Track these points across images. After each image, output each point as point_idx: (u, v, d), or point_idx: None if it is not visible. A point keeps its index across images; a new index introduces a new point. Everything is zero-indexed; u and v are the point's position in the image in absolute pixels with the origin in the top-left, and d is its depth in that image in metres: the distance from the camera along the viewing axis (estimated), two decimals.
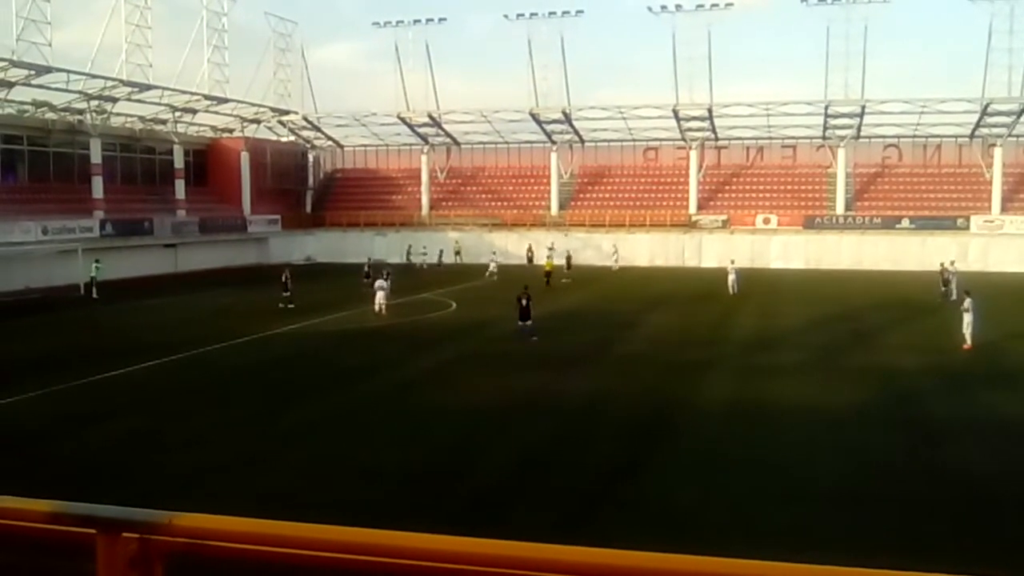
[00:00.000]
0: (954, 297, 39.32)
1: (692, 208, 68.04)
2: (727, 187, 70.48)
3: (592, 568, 2.00)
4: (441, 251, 65.79)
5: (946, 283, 40.95)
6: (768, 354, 27.69)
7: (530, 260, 61.51)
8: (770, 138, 71.11)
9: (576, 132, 71.85)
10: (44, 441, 18.18)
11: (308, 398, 22.11)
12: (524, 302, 30.11)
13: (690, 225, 66.60)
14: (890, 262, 58.98)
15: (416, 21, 70.80)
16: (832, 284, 49.78)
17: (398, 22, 71.24)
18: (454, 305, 40.90)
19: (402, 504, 13.97)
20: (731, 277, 44.92)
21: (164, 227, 58.85)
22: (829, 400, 21.37)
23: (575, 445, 17.88)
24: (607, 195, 72.37)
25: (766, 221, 65.27)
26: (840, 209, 65.31)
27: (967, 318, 27.62)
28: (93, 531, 2.24)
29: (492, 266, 55.80)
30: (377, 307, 35.24)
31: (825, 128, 66.51)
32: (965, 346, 27.48)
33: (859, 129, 66.24)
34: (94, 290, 45.25)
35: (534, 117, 69.10)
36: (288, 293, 39.37)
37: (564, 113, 68.51)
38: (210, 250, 61.70)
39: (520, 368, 25.70)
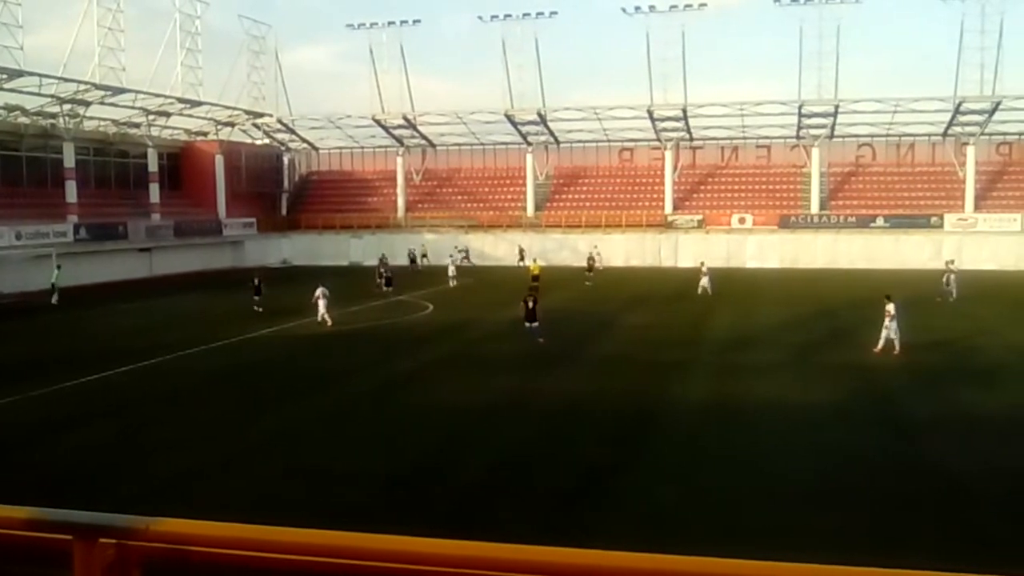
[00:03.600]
0: (954, 297, 39.71)
1: (668, 208, 68.31)
2: (702, 187, 70.81)
3: (575, 569, 2.02)
4: (411, 252, 64.40)
5: (947, 283, 40.79)
6: (746, 353, 27.82)
7: (522, 261, 61.13)
8: (744, 138, 71.52)
9: (551, 133, 71.96)
10: (19, 447, 17.99)
11: (286, 401, 22.00)
12: (531, 304, 29.94)
13: (666, 225, 66.85)
14: (865, 260, 59.44)
15: (390, 23, 70.74)
16: (808, 283, 50.12)
17: (372, 24, 71.12)
18: (431, 307, 40.82)
19: (384, 507, 13.93)
20: (703, 280, 44.50)
21: (139, 231, 58.45)
22: (807, 398, 21.52)
23: (556, 445, 17.90)
24: (583, 196, 72.51)
25: (741, 221, 65.64)
26: (815, 208, 65.77)
27: (892, 324, 26.86)
28: (70, 537, 2.23)
29: (451, 270, 51.79)
30: (320, 317, 34.48)
31: (799, 128, 66.97)
32: (875, 349, 26.88)
33: (833, 128, 66.74)
34: (55, 296, 43.40)
35: (509, 119, 69.15)
36: (259, 296, 39.07)
37: (539, 114, 68.61)
38: (185, 254, 61.32)
39: (500, 369, 25.69)
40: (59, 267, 45.51)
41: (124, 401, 22.50)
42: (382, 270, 49.08)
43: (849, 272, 55.98)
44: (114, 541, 2.22)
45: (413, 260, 62.91)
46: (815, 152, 66.38)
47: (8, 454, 17.49)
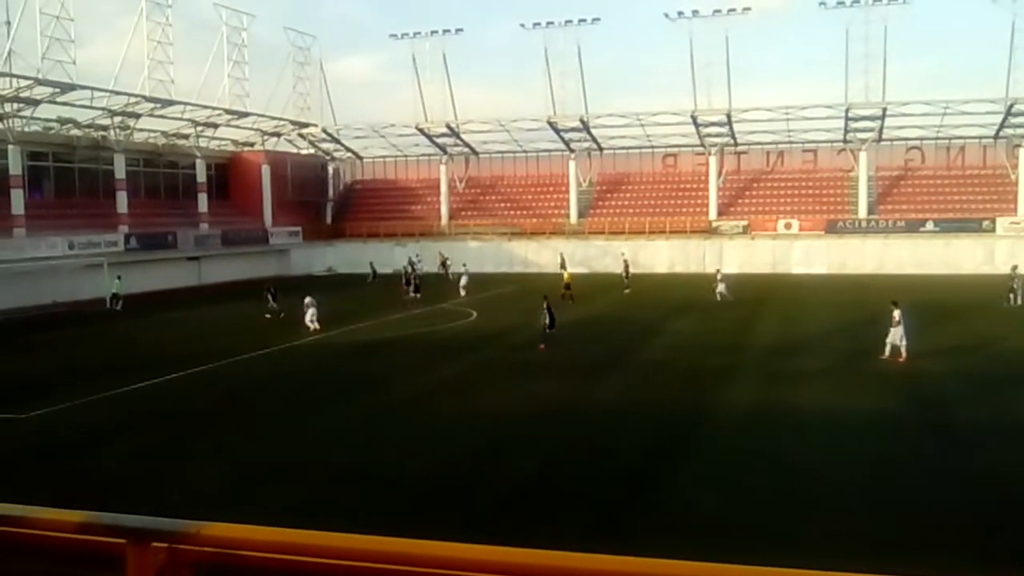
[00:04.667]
0: (1020, 302, 39.04)
1: (712, 214, 67.85)
2: (747, 192, 70.25)
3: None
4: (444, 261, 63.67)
5: (1013, 289, 40.01)
6: (791, 359, 27.52)
7: (563, 268, 61.00)
8: (790, 142, 70.82)
9: (594, 140, 71.86)
10: (73, 453, 18.35)
11: (332, 407, 22.18)
12: (547, 316, 30.79)
13: (710, 231, 66.38)
14: (914, 265, 58.47)
15: (433, 32, 71.17)
16: (855, 289, 49.40)
17: (415, 33, 71.64)
18: (474, 314, 40.92)
19: (426, 512, 13.97)
20: (720, 286, 43.74)
21: (187, 240, 59.30)
22: (853, 405, 21.21)
23: (599, 452, 17.82)
24: (626, 203, 72.28)
25: (787, 226, 64.94)
26: (863, 213, 64.92)
27: (898, 330, 26.37)
28: (123, 541, 2.28)
29: (463, 279, 49.89)
30: (309, 326, 35.10)
31: (846, 131, 66.20)
32: (882, 356, 26.41)
33: (880, 132, 65.85)
34: (118, 303, 45.60)
35: (552, 126, 69.17)
36: (274, 305, 39.84)
37: (582, 121, 68.55)
38: (232, 262, 62.02)
39: (542, 376, 25.67)
40: (119, 277, 46.38)
41: (174, 407, 22.84)
42: (410, 274, 49.37)
43: (898, 278, 54.99)
44: (166, 545, 2.27)
45: (444, 265, 62.94)
46: (863, 156, 65.53)
47: (61, 459, 17.84)
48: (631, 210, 70.89)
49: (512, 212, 73.57)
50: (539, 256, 66.03)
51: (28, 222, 49.28)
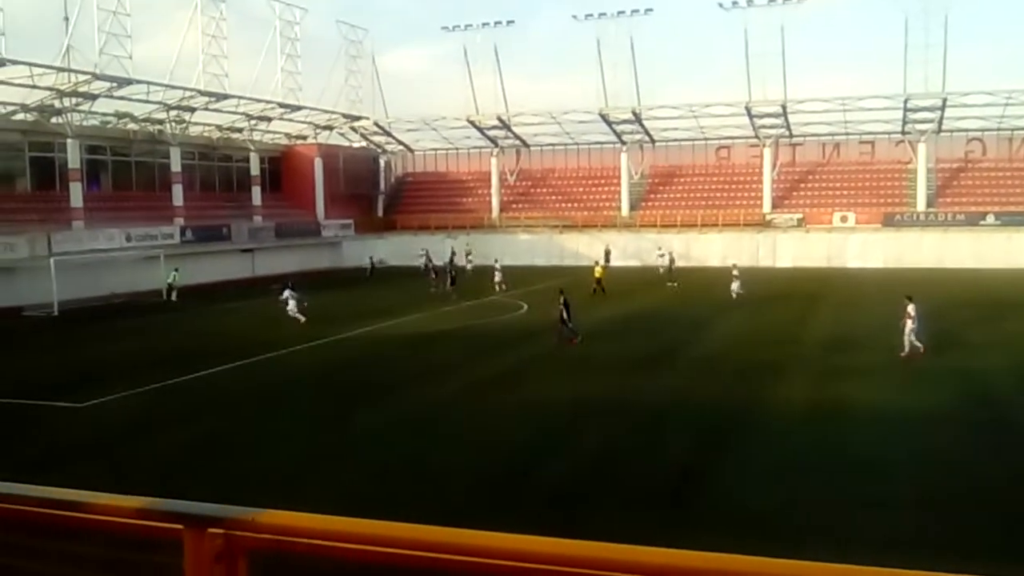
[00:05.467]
0: None
1: (766, 207, 67.08)
2: (802, 185, 69.30)
3: (668, 570, 1.99)
4: (455, 253, 62.86)
5: None
6: (846, 355, 27.08)
7: (607, 262, 60.88)
8: (847, 134, 69.67)
9: (646, 132, 71.37)
10: (130, 441, 18.69)
11: (381, 399, 22.30)
12: (563, 309, 30.74)
13: (764, 224, 65.66)
14: (974, 260, 57.24)
15: (484, 24, 71.14)
16: (912, 283, 48.34)
17: (466, 26, 71.67)
18: (525, 307, 40.88)
19: (476, 504, 13.99)
20: (734, 284, 42.42)
21: (241, 233, 60.09)
22: (909, 403, 20.81)
23: (650, 446, 17.73)
24: (678, 195, 71.73)
25: (843, 219, 63.97)
26: (921, 206, 63.70)
27: (908, 325, 25.96)
28: (180, 527, 2.32)
29: (497, 275, 48.77)
30: (292, 315, 35.87)
31: (904, 122, 64.92)
32: (902, 353, 25.90)
33: (940, 123, 64.48)
34: (173, 295, 46.42)
35: (604, 118, 68.82)
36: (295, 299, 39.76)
37: (634, 113, 68.10)
38: (285, 254, 62.68)
39: (593, 369, 25.63)
40: (176, 270, 47.13)
41: (227, 398, 23.15)
42: (447, 267, 49.39)
43: (957, 272, 54.00)
44: (222, 531, 2.29)
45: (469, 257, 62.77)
46: (921, 148, 64.27)
47: (117, 447, 18.17)
48: (683, 203, 70.33)
49: (563, 205, 73.41)
50: (590, 249, 65.63)
51: (87, 215, 50.35)
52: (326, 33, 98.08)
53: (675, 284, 49.46)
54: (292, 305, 36.13)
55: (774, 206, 67.18)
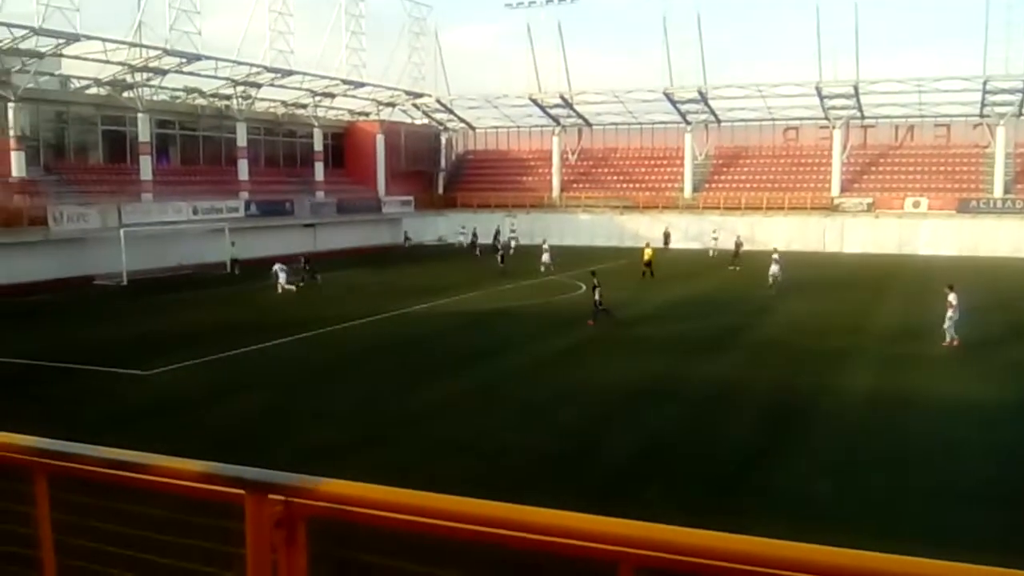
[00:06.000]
0: None
1: (835, 191, 65.66)
2: (873, 168, 67.69)
3: (721, 553, 1.98)
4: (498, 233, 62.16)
5: None
6: (913, 344, 26.43)
7: (667, 244, 60.27)
8: (921, 116, 67.69)
9: (712, 112, 70.28)
10: (193, 408, 19.03)
11: (439, 376, 22.33)
12: (596, 292, 30.47)
13: (832, 208, 64.30)
14: None
15: (548, 1, 70.43)
16: (987, 272, 47.06)
17: (530, 2, 71.01)
18: (583, 287, 40.56)
19: (531, 483, 13.90)
20: (773, 267, 40.57)
21: (304, 208, 60.58)
22: (976, 393, 20.26)
23: (708, 430, 17.57)
24: (743, 177, 70.62)
25: (915, 204, 62.28)
26: (998, 192, 61.71)
27: (952, 314, 25.43)
28: (242, 492, 2.38)
29: (545, 256, 47.89)
30: (280, 289, 38.20)
31: (983, 105, 62.83)
32: (944, 343, 25.46)
33: (1021, 106, 62.29)
34: (236, 268, 47.22)
35: (668, 97, 67.90)
36: (308, 270, 41.80)
37: (700, 92, 67.04)
38: (346, 230, 63.11)
39: (652, 351, 25.43)
40: (233, 243, 47.71)
41: (288, 369, 23.39)
42: (498, 246, 49.46)
43: None
44: (282, 498, 2.36)
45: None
46: (1000, 131, 62.19)
47: (180, 413, 18.42)
48: (748, 185, 69.24)
49: (624, 185, 72.76)
50: (650, 230, 64.76)
51: (155, 188, 51.18)
52: (390, 10, 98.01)
53: (737, 267, 48.63)
54: (282, 278, 38.41)
55: (843, 190, 65.73)
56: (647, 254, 45.04)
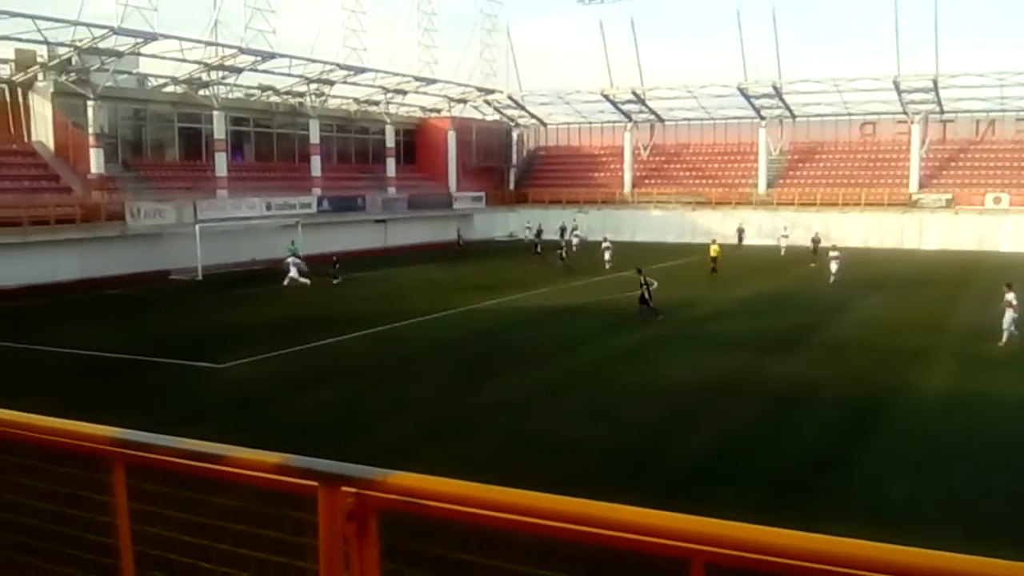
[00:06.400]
0: None
1: (912, 186, 64.07)
2: (952, 164, 65.92)
3: (803, 553, 1.94)
4: (563, 229, 60.89)
5: None
6: (991, 343, 25.51)
7: (740, 241, 59.48)
8: (1003, 111, 65.72)
9: (787, 107, 69.17)
10: (266, 401, 19.34)
11: (508, 371, 22.35)
12: (646, 290, 30.24)
13: (910, 205, 62.76)
14: None
15: None
16: None
17: None
18: (655, 284, 40.20)
19: (600, 480, 13.85)
20: (832, 264, 40.26)
21: (375, 203, 61.15)
22: None
23: (781, 430, 17.31)
24: (819, 172, 69.37)
25: (996, 200, 60.44)
26: None
27: (1009, 314, 24.62)
28: (315, 484, 2.40)
29: (607, 253, 47.57)
30: (287, 280, 39.55)
31: None
32: (1000, 343, 24.56)
33: None
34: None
35: (742, 92, 67.02)
36: (336, 269, 42.00)
37: (774, 87, 66.03)
38: (417, 226, 63.60)
39: (724, 349, 25.12)
40: (293, 242, 47.44)
41: (358, 364, 23.64)
42: (562, 243, 49.84)
43: None
44: (354, 490, 2.38)
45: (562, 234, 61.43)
46: None
47: (253, 406, 18.74)
48: (824, 181, 67.98)
49: (697, 181, 72.00)
50: (724, 226, 64.05)
51: (230, 184, 52.12)
52: (462, 7, 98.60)
53: (815, 264, 47.75)
54: (293, 272, 39.64)
55: (921, 186, 64.13)
56: (713, 251, 44.59)
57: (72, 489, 3.57)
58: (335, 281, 40.97)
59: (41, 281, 38.43)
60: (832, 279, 39.36)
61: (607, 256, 47.21)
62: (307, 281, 39.55)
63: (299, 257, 41.10)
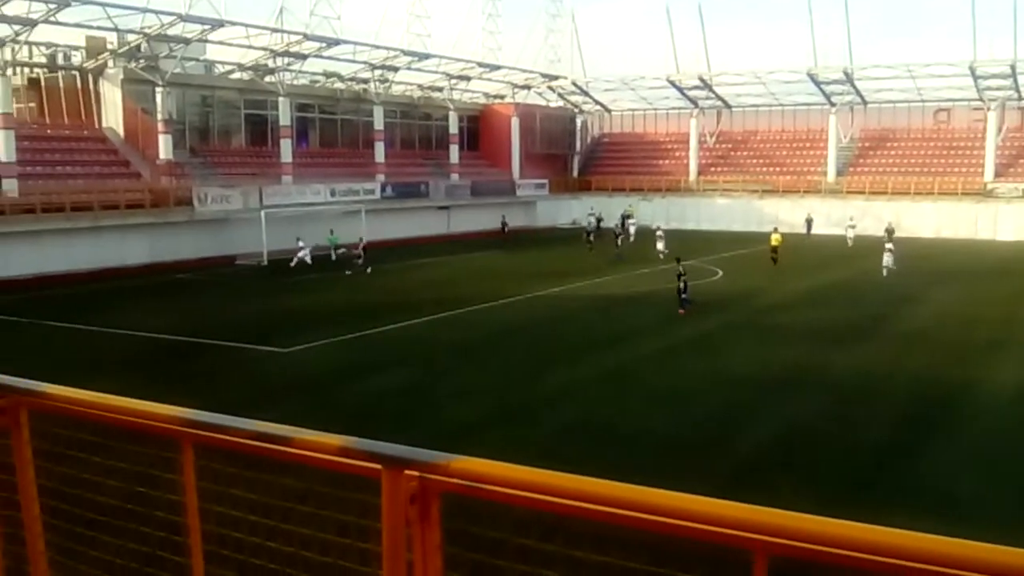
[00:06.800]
0: None
1: (988, 175, 62.34)
2: None
3: (870, 546, 1.91)
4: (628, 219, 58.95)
5: None
6: None
7: (809, 231, 58.43)
8: None
9: (858, 93, 67.72)
10: (330, 384, 19.59)
11: (568, 359, 22.31)
12: (682, 281, 29.55)
13: (985, 194, 61.07)
14: None
15: None
16: None
17: None
18: (720, 273, 39.85)
19: (661, 468, 13.75)
20: (886, 257, 38.85)
21: (438, 190, 61.42)
22: None
23: (845, 422, 17.05)
24: (890, 160, 67.85)
25: None
26: None
27: None
28: (379, 466, 2.43)
29: (660, 243, 46.68)
30: (294, 261, 41.67)
31: None
32: None
33: None
34: (333, 254, 45.78)
35: (812, 78, 65.78)
36: (360, 259, 41.51)
37: (845, 73, 64.67)
38: (480, 213, 63.64)
39: (789, 340, 24.80)
40: (332, 231, 46.79)
41: (422, 349, 23.81)
42: (617, 231, 49.61)
43: None
44: (418, 473, 2.40)
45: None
46: None
47: (317, 390, 18.99)
48: (895, 169, 66.48)
49: (764, 169, 70.96)
50: (791, 215, 62.96)
51: (295, 170, 52.74)
52: None
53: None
54: (303, 253, 41.97)
55: (997, 175, 62.36)
56: (774, 240, 43.61)
57: (143, 468, 3.67)
58: (367, 271, 40.42)
59: (111, 265, 39.42)
60: (885, 272, 38.31)
61: (660, 246, 46.41)
62: (308, 260, 41.36)
63: (340, 246, 41.95)
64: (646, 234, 53.11)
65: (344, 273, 40.21)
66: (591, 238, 50.66)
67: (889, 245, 40.29)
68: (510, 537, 2.88)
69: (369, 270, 40.46)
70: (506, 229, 60.03)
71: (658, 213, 65.93)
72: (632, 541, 2.41)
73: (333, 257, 45.54)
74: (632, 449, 15.02)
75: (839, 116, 68.38)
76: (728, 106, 74.03)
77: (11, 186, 39.19)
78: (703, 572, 2.58)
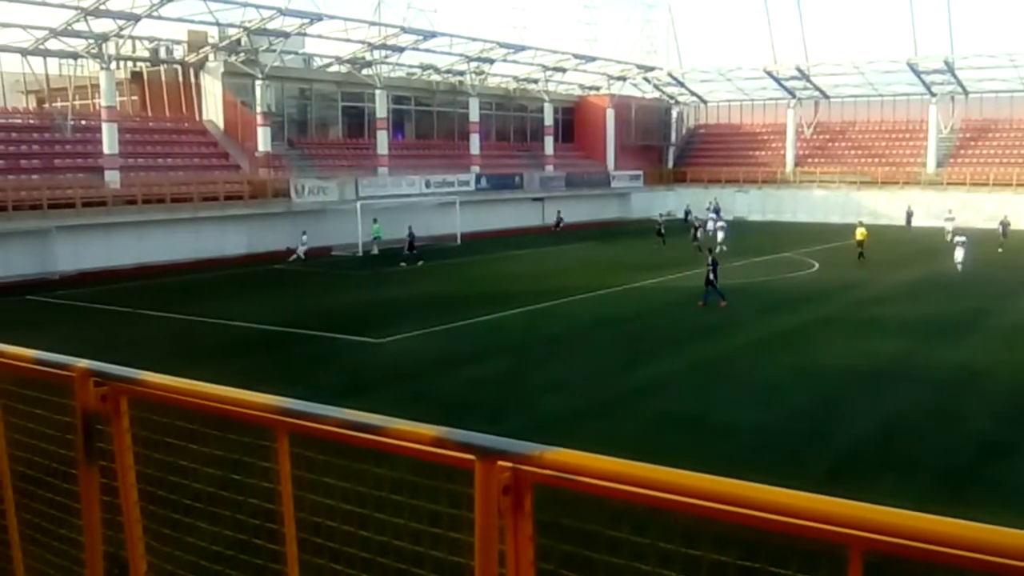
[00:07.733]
0: None
1: None
2: None
3: (969, 543, 1.87)
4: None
5: None
6: None
7: (909, 223, 56.71)
8: None
9: (959, 83, 65.35)
10: (424, 375, 19.82)
11: (662, 351, 22.21)
12: (711, 272, 28.98)
13: None
14: None
15: None
16: None
17: None
18: (816, 265, 39.02)
19: (754, 462, 13.49)
20: (958, 252, 36.78)
21: (533, 181, 61.49)
22: None
23: (946, 417, 16.58)
24: (993, 151, 65.37)
25: None
26: None
27: None
28: (472, 457, 2.44)
29: (720, 235, 45.90)
30: (295, 257, 41.77)
31: None
32: None
33: None
34: (374, 248, 44.95)
35: (912, 67, 63.78)
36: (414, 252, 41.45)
37: (946, 62, 62.47)
38: (575, 204, 63.42)
39: (887, 333, 24.20)
40: (375, 221, 45.58)
41: (515, 340, 23.93)
42: (695, 225, 48.68)
43: None
44: (510, 464, 2.41)
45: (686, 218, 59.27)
46: None
47: (411, 380, 19.23)
48: (998, 160, 64.05)
49: (862, 160, 69.16)
50: (890, 207, 61.34)
51: (390, 162, 53.41)
52: None
53: (1003, 249, 44.97)
54: (302, 249, 42.16)
55: None
56: (859, 234, 41.95)
57: (238, 455, 3.79)
58: (419, 263, 40.03)
59: (210, 256, 40.49)
60: (960, 267, 36.62)
61: (719, 237, 45.19)
62: (302, 256, 41.84)
63: (376, 239, 42.53)
64: (753, 226, 52.02)
65: (399, 266, 39.93)
66: (662, 231, 49.38)
67: (960, 239, 38.24)
68: (602, 529, 2.90)
69: (421, 263, 40.08)
70: (560, 225, 58.69)
71: (754, 204, 64.85)
72: (725, 535, 2.41)
73: (375, 251, 44.52)
74: (725, 442, 14.86)
75: (939, 106, 66.17)
76: (826, 96, 72.29)
77: (113, 178, 40.57)
78: (797, 567, 2.57)
